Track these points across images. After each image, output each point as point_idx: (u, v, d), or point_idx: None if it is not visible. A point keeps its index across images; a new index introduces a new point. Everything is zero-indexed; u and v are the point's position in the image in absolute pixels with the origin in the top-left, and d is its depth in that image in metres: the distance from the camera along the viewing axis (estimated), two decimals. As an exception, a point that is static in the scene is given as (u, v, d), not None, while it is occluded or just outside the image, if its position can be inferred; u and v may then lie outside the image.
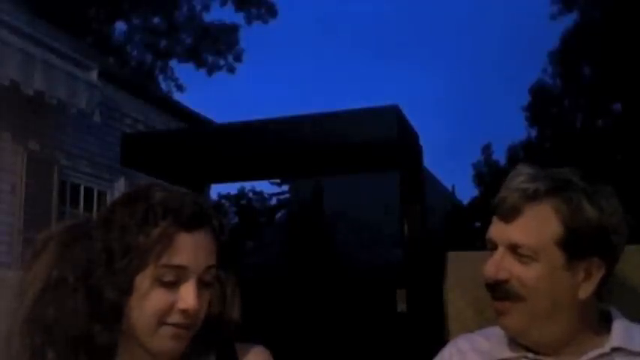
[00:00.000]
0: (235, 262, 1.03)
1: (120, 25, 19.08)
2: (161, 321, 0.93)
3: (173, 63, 19.99)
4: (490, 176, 19.01)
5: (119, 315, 0.93)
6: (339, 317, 3.63)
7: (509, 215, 1.07)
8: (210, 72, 20.01)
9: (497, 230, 1.09)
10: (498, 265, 1.06)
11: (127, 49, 19.18)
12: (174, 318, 0.94)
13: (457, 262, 1.36)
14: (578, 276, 1.04)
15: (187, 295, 0.93)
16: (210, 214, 0.99)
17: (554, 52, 17.44)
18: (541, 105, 17.76)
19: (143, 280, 0.93)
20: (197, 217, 0.96)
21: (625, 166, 13.50)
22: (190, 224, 0.95)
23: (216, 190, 18.21)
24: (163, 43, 19.51)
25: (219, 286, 1.03)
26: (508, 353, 1.10)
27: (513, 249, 1.05)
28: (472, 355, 1.14)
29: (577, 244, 1.03)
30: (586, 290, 1.05)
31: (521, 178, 1.09)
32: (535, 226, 1.05)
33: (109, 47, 17.34)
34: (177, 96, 17.25)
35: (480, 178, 20.21)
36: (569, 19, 18.38)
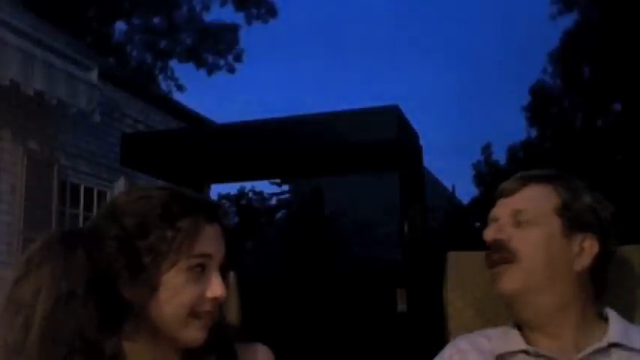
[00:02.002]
0: (233, 260, 1.03)
1: (120, 25, 19.07)
2: (192, 312, 0.94)
3: (173, 63, 19.99)
4: (490, 176, 19.00)
5: (141, 316, 0.93)
6: (340, 317, 3.63)
7: (512, 192, 1.16)
8: (210, 72, 20.02)
9: (500, 206, 1.17)
10: (499, 228, 1.14)
11: (127, 49, 19.17)
12: (205, 307, 0.95)
13: (457, 262, 1.36)
14: (573, 246, 1.10)
15: (216, 284, 0.96)
16: (221, 209, 1.04)
17: (554, 52, 17.46)
18: (541, 105, 17.75)
19: (173, 274, 0.93)
20: (215, 209, 1.00)
21: (625, 166, 13.49)
22: (211, 216, 0.99)
23: (217, 190, 18.16)
24: (163, 43, 19.50)
25: None
26: (509, 348, 1.11)
27: (514, 216, 1.13)
28: (473, 354, 1.14)
29: (574, 217, 1.11)
30: (581, 263, 1.10)
31: (521, 172, 1.20)
32: (536, 196, 1.14)
33: (109, 47, 17.33)
34: (177, 96, 17.27)
35: (479, 178, 20.21)
36: (569, 19, 18.45)
